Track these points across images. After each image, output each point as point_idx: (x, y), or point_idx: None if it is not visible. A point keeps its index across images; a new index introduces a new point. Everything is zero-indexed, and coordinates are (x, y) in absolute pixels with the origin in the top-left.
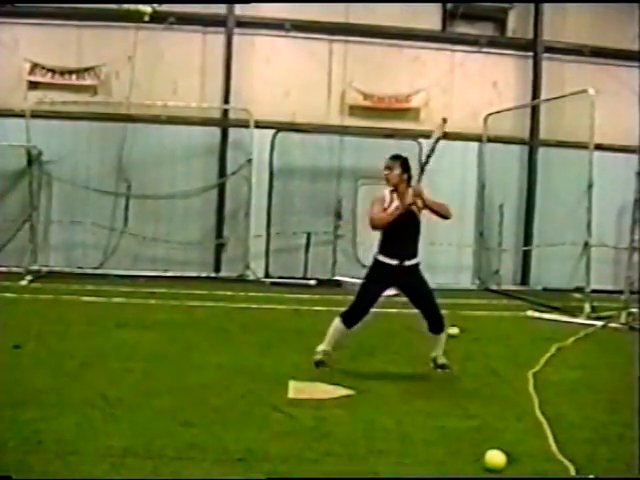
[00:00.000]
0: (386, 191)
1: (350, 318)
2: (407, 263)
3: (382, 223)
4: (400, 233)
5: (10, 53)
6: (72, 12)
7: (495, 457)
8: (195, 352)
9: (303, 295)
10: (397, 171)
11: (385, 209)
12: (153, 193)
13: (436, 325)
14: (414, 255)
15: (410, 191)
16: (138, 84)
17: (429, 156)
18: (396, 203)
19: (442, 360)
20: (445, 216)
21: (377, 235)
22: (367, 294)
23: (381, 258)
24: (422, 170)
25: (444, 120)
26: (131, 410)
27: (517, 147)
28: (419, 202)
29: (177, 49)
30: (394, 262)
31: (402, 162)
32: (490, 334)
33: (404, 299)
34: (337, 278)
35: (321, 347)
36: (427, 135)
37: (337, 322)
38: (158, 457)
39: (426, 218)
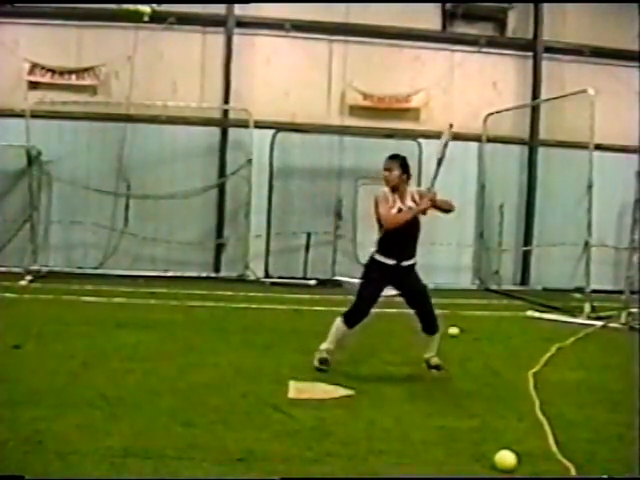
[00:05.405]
0: (386, 189)
1: (352, 319)
2: (404, 263)
3: (399, 224)
4: (402, 234)
5: (10, 53)
6: (72, 12)
7: (506, 457)
8: (195, 352)
9: (303, 295)
10: (397, 172)
11: (391, 207)
12: (153, 193)
13: (429, 326)
14: (412, 256)
15: (418, 196)
16: (138, 84)
17: (440, 161)
18: (398, 204)
19: (435, 361)
20: (450, 210)
21: (376, 234)
22: (367, 294)
23: (378, 257)
24: (435, 175)
25: (451, 125)
26: (131, 410)
27: (517, 147)
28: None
29: (177, 49)
30: (391, 262)
31: (401, 162)
32: (490, 334)
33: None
34: (337, 278)
35: (324, 345)
36: (427, 135)
37: (339, 322)
38: (158, 457)
39: (427, 217)
